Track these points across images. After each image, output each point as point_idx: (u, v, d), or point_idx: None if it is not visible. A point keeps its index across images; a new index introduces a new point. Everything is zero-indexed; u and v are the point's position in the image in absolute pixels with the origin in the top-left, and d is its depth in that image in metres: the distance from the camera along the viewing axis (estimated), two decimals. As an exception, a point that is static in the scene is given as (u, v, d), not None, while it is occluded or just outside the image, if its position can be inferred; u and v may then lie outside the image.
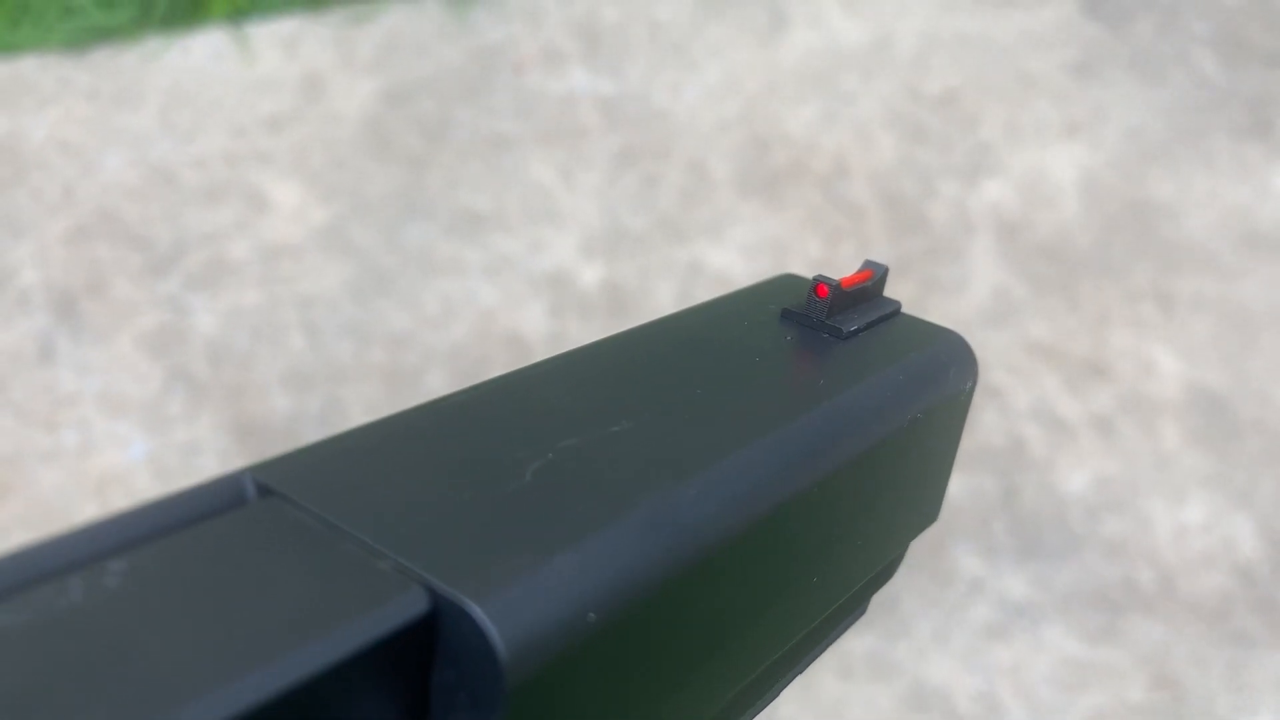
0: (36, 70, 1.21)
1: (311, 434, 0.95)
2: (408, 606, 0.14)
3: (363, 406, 0.96)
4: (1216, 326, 1.05)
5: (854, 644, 0.84)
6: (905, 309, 0.26)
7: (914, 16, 1.33)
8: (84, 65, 1.22)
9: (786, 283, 0.26)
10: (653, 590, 0.16)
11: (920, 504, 0.25)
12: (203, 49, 1.25)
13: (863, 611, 0.26)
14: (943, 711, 0.80)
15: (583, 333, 1.01)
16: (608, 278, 1.06)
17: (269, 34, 1.26)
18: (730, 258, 1.08)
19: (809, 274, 0.26)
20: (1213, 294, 1.08)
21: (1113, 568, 0.88)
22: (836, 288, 0.24)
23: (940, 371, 0.24)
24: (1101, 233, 1.12)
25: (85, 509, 0.89)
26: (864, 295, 0.25)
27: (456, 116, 1.20)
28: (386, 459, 0.17)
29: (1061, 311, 1.05)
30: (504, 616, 0.14)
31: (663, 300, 1.04)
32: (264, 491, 0.16)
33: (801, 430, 0.20)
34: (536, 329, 1.01)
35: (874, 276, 0.25)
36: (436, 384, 0.98)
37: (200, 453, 0.93)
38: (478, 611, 0.14)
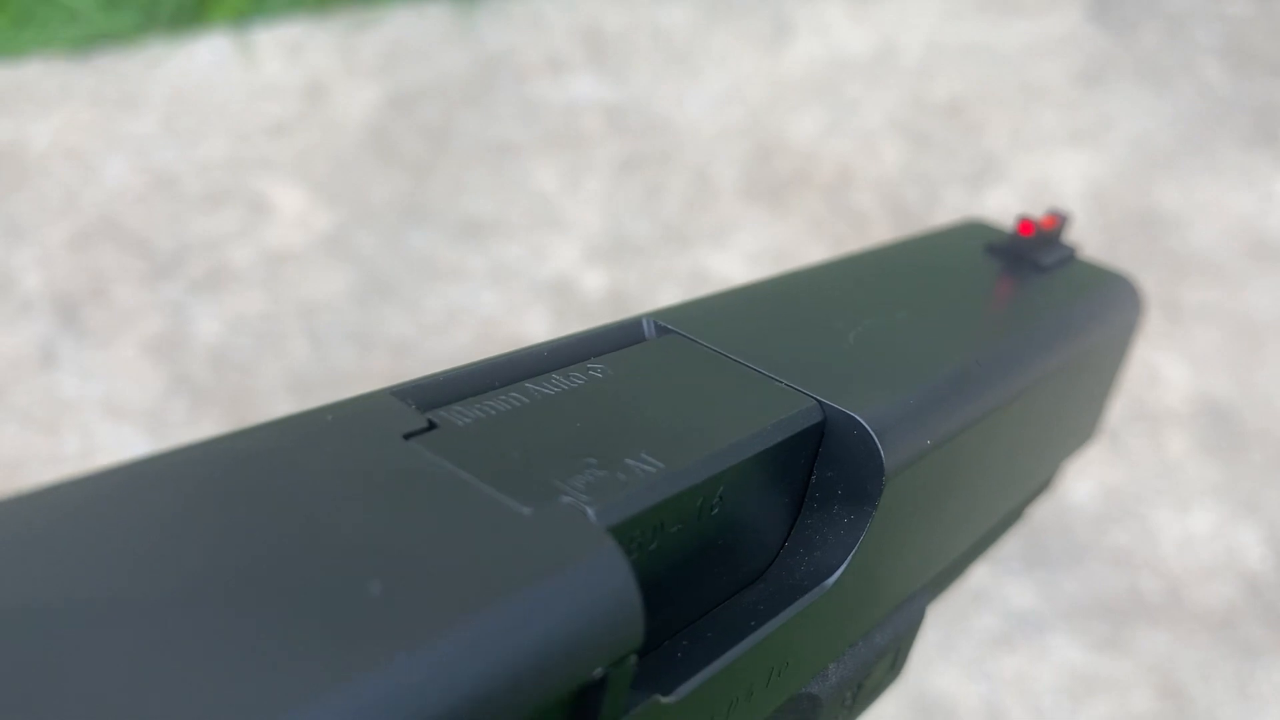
0: (40, 75, 1.21)
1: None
2: (808, 415, 0.19)
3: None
4: (1222, 336, 1.05)
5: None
6: None
7: (919, 26, 1.33)
8: (87, 70, 1.22)
9: (972, 225, 0.31)
10: (958, 431, 0.21)
11: (1086, 422, 0.30)
12: (206, 54, 1.25)
13: (1022, 519, 0.30)
14: (947, 722, 0.80)
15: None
16: (610, 284, 1.05)
17: (272, 39, 1.26)
18: (733, 264, 1.07)
19: None
20: (1219, 303, 1.07)
21: (1118, 577, 0.87)
22: (1039, 227, 0.28)
23: (1119, 305, 0.29)
24: (1106, 241, 1.12)
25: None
26: (1053, 237, 0.29)
27: (460, 123, 1.19)
28: (746, 316, 0.22)
29: (1066, 320, 1.04)
30: (883, 427, 0.19)
31: (666, 307, 1.03)
32: (663, 331, 0.20)
33: (1032, 337, 0.25)
34: (539, 336, 1.01)
35: (1059, 222, 0.29)
36: (439, 390, 0.97)
37: (202, 458, 0.92)
38: (865, 423, 0.18)
